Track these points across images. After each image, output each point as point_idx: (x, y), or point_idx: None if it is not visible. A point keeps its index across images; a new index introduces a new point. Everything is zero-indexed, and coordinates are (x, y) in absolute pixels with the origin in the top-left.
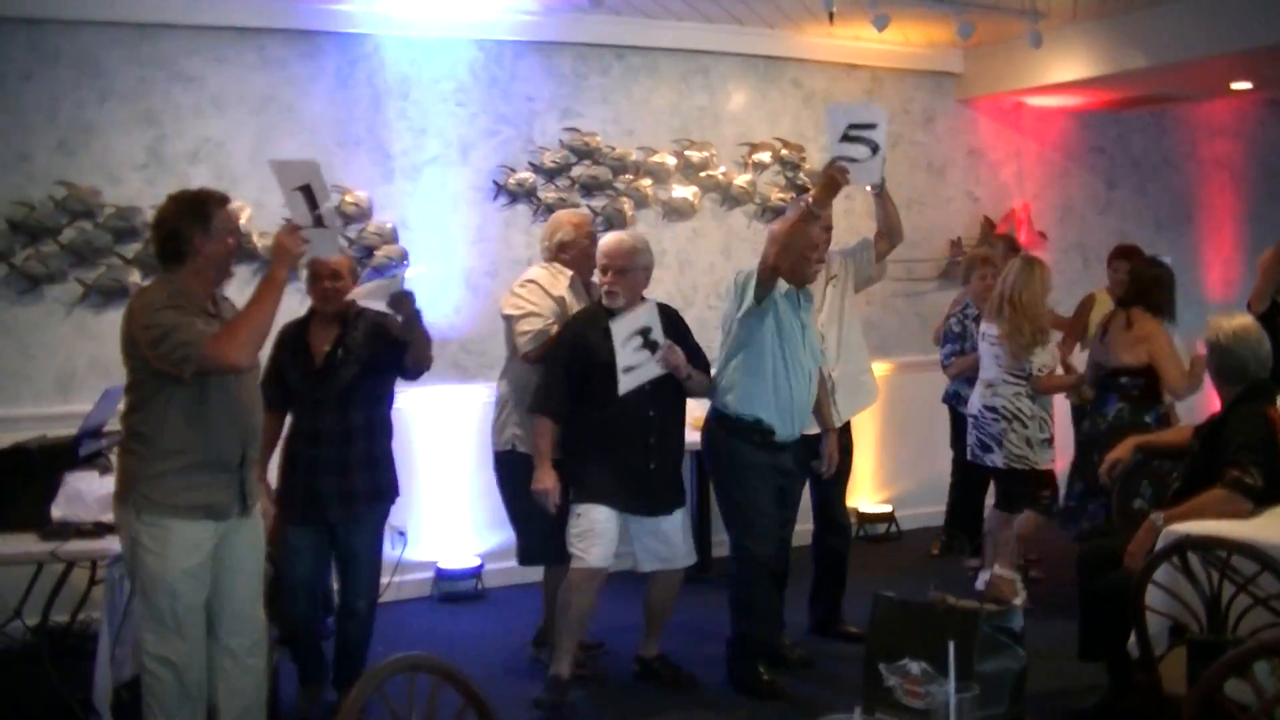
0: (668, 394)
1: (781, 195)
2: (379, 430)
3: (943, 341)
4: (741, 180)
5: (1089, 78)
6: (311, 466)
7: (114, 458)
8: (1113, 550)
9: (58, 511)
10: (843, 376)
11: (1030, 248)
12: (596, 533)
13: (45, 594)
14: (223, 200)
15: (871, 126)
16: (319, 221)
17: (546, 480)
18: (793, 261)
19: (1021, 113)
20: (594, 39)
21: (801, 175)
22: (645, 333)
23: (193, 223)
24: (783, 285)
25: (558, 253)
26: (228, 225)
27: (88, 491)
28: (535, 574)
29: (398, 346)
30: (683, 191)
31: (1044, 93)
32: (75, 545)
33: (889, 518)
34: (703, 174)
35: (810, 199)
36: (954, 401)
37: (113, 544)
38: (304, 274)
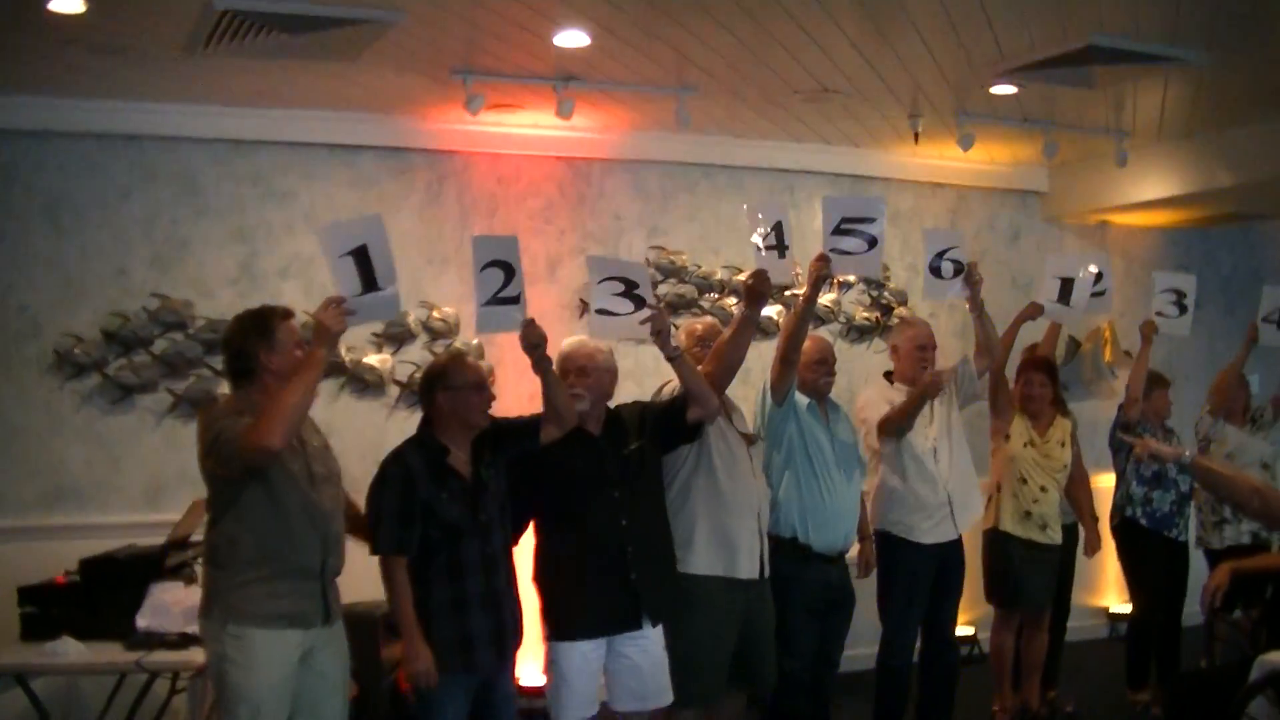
0: (642, 493)
1: (866, 314)
2: None
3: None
4: (826, 299)
5: (1175, 196)
6: (492, 600)
7: (199, 569)
8: (1204, 679)
9: (143, 621)
10: (955, 491)
11: (1116, 366)
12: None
13: (128, 704)
14: (286, 314)
15: (870, 220)
16: (372, 285)
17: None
18: (803, 374)
19: (1107, 230)
20: (681, 157)
21: (886, 294)
22: (630, 285)
23: (256, 339)
24: (803, 400)
25: None
26: (292, 339)
27: (173, 603)
28: None
29: (523, 430)
30: (768, 310)
31: (1130, 211)
32: (159, 656)
33: (971, 640)
34: (787, 293)
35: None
36: (1163, 526)
37: (196, 656)
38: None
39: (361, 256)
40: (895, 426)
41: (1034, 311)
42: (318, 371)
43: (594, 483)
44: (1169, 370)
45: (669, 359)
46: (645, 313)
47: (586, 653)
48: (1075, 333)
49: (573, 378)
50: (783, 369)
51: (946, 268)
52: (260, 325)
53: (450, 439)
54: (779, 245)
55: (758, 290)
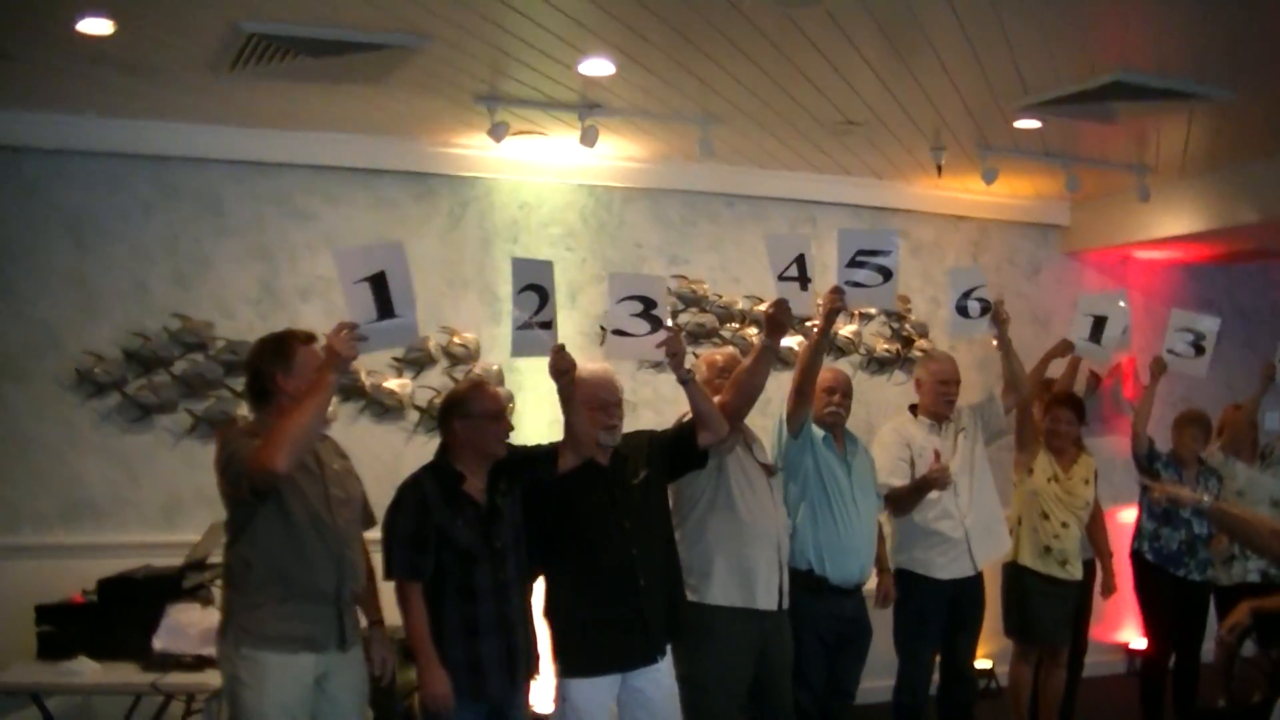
0: (651, 523)
1: (887, 346)
2: None
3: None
4: (847, 330)
5: (1197, 232)
6: (504, 626)
7: (217, 591)
8: (1222, 718)
9: (159, 643)
10: (974, 525)
11: (1133, 401)
12: None
13: None
14: (308, 339)
15: (884, 253)
16: (389, 312)
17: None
18: (815, 405)
19: (1128, 265)
20: (703, 187)
21: (907, 326)
22: (648, 304)
23: (274, 362)
24: (818, 431)
25: None
26: (312, 363)
27: (189, 624)
28: None
29: (541, 458)
30: (788, 340)
31: (1151, 246)
32: (175, 678)
33: (988, 674)
34: (808, 323)
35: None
36: (1169, 563)
37: (212, 678)
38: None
39: (379, 283)
40: (896, 508)
41: (1064, 349)
42: (326, 395)
43: (604, 514)
44: (1186, 405)
45: (680, 382)
46: (662, 334)
47: (601, 688)
48: (1098, 368)
49: (600, 411)
50: (797, 401)
51: (973, 306)
52: (280, 349)
53: (467, 466)
54: (801, 277)
55: (778, 320)
